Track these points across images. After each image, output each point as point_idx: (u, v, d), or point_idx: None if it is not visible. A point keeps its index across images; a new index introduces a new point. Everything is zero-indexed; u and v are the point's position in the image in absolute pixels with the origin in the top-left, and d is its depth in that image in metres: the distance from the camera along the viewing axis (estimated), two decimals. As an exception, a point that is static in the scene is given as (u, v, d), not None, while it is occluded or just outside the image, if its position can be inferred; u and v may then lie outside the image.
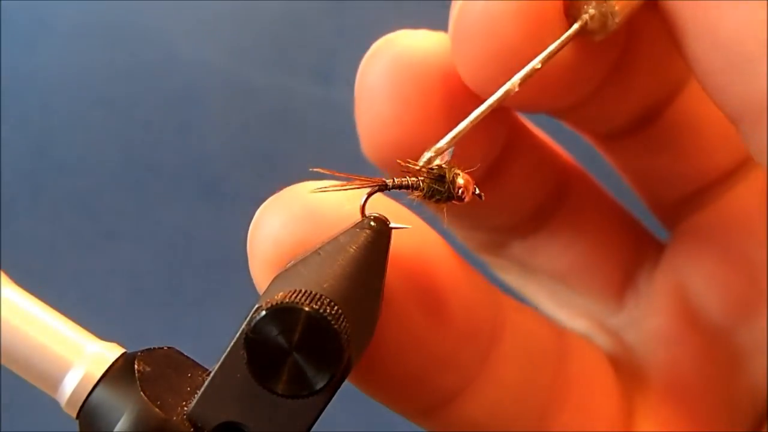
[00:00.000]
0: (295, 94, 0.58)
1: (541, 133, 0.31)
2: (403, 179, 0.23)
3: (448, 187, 0.23)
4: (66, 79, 0.59)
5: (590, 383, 0.29)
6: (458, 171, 0.23)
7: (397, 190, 0.23)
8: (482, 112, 0.23)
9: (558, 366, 0.28)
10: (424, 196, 0.23)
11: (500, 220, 0.30)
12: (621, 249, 0.32)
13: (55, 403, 0.22)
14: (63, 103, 0.59)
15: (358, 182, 0.23)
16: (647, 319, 0.31)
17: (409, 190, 0.23)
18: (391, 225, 0.22)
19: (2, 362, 0.22)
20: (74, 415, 0.22)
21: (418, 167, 0.23)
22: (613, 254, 0.31)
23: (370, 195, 0.22)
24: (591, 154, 0.32)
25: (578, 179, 0.32)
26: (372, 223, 0.22)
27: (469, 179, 0.23)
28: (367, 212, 0.22)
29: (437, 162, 0.23)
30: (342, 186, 0.23)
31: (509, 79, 0.23)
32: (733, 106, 0.22)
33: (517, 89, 0.23)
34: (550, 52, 0.23)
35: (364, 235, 0.22)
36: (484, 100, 0.23)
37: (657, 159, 0.30)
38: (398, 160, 0.23)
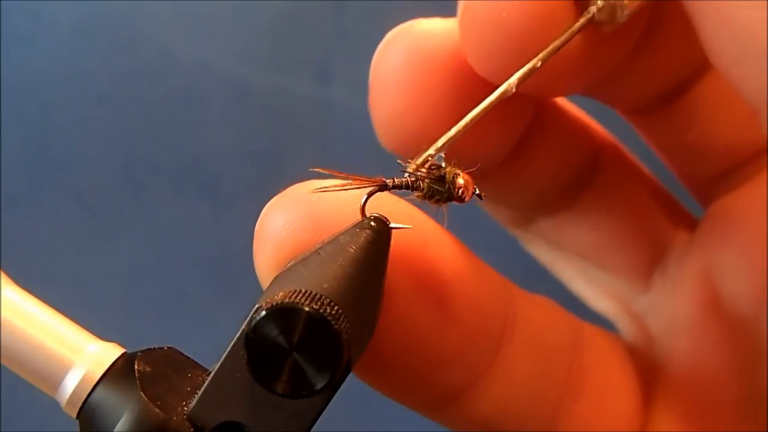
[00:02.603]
0: (295, 94, 0.58)
1: (573, 107, 0.30)
2: (403, 179, 0.23)
3: (448, 187, 0.23)
4: (66, 79, 0.59)
5: (606, 375, 0.29)
6: (458, 171, 0.23)
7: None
8: (473, 117, 0.23)
9: (572, 359, 0.27)
10: (425, 196, 0.23)
11: (527, 197, 0.30)
12: (652, 228, 0.31)
13: (55, 403, 0.22)
14: (63, 103, 0.59)
15: (358, 182, 0.23)
16: (672, 305, 0.30)
17: (410, 190, 0.23)
18: (392, 225, 0.22)
19: (2, 362, 0.22)
20: (74, 415, 0.22)
21: (419, 169, 0.23)
22: (643, 233, 0.31)
23: (370, 195, 0.22)
24: (630, 130, 0.31)
25: (610, 154, 0.31)
26: (372, 223, 0.22)
27: (469, 179, 0.23)
28: (368, 212, 0.22)
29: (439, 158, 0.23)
30: (342, 186, 0.22)
31: (518, 66, 0.23)
32: (752, 97, 0.22)
33: (514, 90, 0.23)
34: (552, 48, 0.23)
35: (365, 235, 0.22)
36: (498, 87, 0.23)
37: (688, 133, 0.29)
38: (398, 160, 0.23)
